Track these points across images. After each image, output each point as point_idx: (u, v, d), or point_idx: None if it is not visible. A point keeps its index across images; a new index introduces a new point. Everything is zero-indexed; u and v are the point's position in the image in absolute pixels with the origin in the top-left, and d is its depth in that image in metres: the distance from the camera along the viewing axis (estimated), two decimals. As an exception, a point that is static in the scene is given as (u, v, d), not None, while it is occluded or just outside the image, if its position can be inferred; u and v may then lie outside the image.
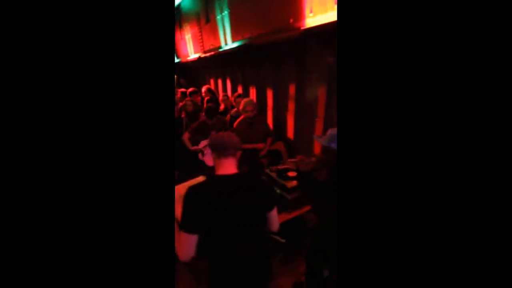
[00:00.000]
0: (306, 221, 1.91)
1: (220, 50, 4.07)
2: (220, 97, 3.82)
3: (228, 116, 3.06)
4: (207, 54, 4.64)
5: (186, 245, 0.96)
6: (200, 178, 1.82)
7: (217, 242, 1.04)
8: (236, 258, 1.07)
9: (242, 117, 2.62)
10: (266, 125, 2.78)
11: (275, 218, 1.15)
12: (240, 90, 3.99)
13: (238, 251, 1.07)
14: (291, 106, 2.85)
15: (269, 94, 3.25)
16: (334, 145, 1.29)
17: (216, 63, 4.80)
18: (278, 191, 1.99)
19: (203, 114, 2.69)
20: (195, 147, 2.58)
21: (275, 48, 2.81)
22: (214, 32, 4.29)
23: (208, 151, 2.49)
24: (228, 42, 3.83)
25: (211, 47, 4.56)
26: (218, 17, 3.96)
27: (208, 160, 2.50)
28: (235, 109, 3.00)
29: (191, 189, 0.99)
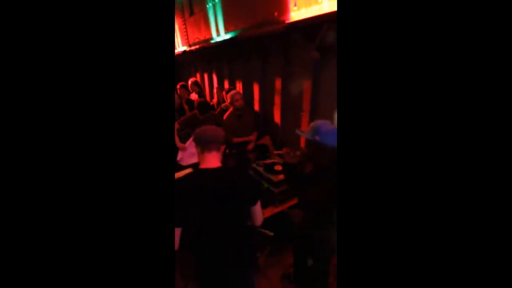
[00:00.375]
0: (292, 214, 1.95)
1: (205, 43, 4.00)
2: (214, 89, 3.81)
3: (219, 109, 3.07)
4: (192, 48, 4.55)
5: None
6: (188, 170, 1.81)
7: (200, 236, 1.05)
8: (220, 252, 1.08)
9: (231, 109, 2.62)
10: (254, 118, 2.80)
11: (259, 213, 1.16)
12: (226, 84, 3.95)
13: (221, 245, 1.08)
14: (277, 100, 2.86)
15: (256, 88, 3.24)
16: (318, 138, 1.31)
17: (202, 57, 4.72)
18: (265, 185, 2.01)
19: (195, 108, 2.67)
20: (181, 145, 2.54)
21: (261, 42, 2.79)
22: (199, 25, 4.20)
23: (192, 150, 2.46)
24: (213, 36, 3.76)
25: (196, 40, 4.47)
26: (202, 10, 3.87)
27: (184, 161, 2.49)
28: (226, 103, 3.00)
29: (176, 183, 1.00)
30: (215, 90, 3.71)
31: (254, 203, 1.12)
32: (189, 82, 3.87)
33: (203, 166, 1.08)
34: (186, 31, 4.90)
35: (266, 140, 2.75)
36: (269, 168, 2.13)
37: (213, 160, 1.08)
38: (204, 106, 2.65)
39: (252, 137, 2.64)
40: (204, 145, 1.07)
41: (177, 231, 1.00)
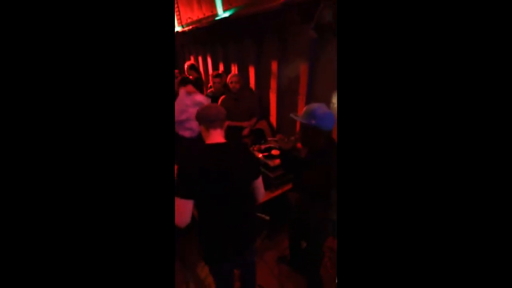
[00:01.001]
0: (290, 197, 1.95)
1: (198, 24, 3.84)
2: (210, 77, 3.66)
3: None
4: (185, 29, 4.37)
5: (182, 210, 1.02)
6: None
7: (209, 208, 1.09)
8: (227, 222, 1.13)
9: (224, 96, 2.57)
10: (254, 103, 2.73)
11: (261, 188, 1.24)
12: (221, 67, 3.84)
13: (228, 216, 1.13)
14: (273, 83, 2.79)
15: (251, 71, 3.15)
16: (314, 122, 1.28)
17: (196, 39, 4.55)
18: (261, 170, 2.00)
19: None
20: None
21: (256, 22, 2.68)
22: (191, 4, 4.01)
23: (189, 124, 2.38)
24: (205, 15, 3.60)
25: (189, 20, 4.29)
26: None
27: (184, 132, 2.39)
28: (212, 89, 2.92)
29: (184, 159, 1.06)
30: (210, 78, 3.55)
31: (257, 177, 1.20)
32: (185, 66, 3.75)
33: (209, 142, 1.14)
34: (179, 11, 4.69)
35: (263, 124, 2.70)
36: (266, 152, 2.11)
37: (218, 136, 1.14)
38: (200, 82, 2.61)
39: (245, 123, 2.58)
40: (208, 123, 1.13)
41: (189, 204, 1.03)
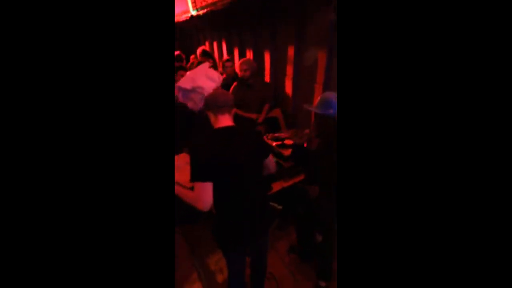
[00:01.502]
0: (301, 189, 1.93)
1: (213, 7, 3.74)
2: (219, 63, 3.59)
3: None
4: (200, 12, 4.28)
5: (204, 194, 1.04)
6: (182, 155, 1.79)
7: (222, 190, 1.09)
8: (241, 204, 1.16)
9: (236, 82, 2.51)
10: (268, 90, 2.67)
11: (272, 163, 1.29)
12: (236, 53, 3.76)
13: (242, 199, 1.15)
14: (289, 70, 2.70)
15: (267, 57, 3.07)
16: (332, 112, 1.23)
17: (211, 24, 4.46)
18: (274, 159, 1.97)
19: None
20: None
21: (273, 6, 2.57)
22: (207, -14, 3.90)
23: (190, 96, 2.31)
24: (221, -2, 3.49)
25: (203, 3, 4.19)
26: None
27: (187, 101, 2.24)
28: (224, 75, 2.86)
29: (195, 143, 1.09)
30: (221, 64, 3.46)
31: (267, 156, 1.24)
32: (198, 51, 3.69)
33: (217, 126, 1.15)
34: (194, -6, 4.58)
35: (277, 113, 2.65)
36: (279, 141, 2.08)
37: (226, 121, 1.15)
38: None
39: (254, 115, 2.51)
40: (216, 109, 1.14)
41: (209, 186, 1.04)
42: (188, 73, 2.23)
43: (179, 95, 2.21)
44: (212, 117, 1.17)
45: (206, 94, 2.14)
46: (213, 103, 1.15)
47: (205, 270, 1.87)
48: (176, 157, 1.62)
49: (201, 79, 2.15)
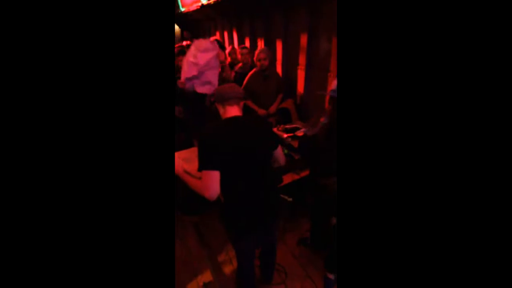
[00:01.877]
0: (312, 181, 1.89)
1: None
2: (227, 50, 3.50)
3: (233, 73, 2.81)
4: (211, 1, 4.21)
5: (210, 182, 1.03)
6: (186, 152, 1.78)
7: (231, 180, 1.09)
8: (249, 194, 1.15)
9: (254, 69, 2.44)
10: (279, 78, 2.59)
11: (281, 155, 1.27)
12: (247, 42, 3.69)
13: (250, 188, 1.14)
14: (302, 59, 2.62)
15: (279, 46, 2.98)
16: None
17: (222, 13, 4.38)
18: (285, 151, 1.93)
19: None
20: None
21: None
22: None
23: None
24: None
25: (215, -8, 4.11)
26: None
27: (203, 88, 2.19)
28: (240, 63, 2.79)
29: (203, 132, 1.09)
30: (227, 51, 3.36)
31: (276, 147, 1.22)
32: None
33: (225, 116, 1.17)
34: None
35: (289, 104, 2.59)
36: (290, 133, 2.03)
37: (234, 112, 1.16)
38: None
39: (263, 111, 2.42)
40: (224, 101, 1.16)
41: (216, 174, 1.04)
42: (183, 61, 2.13)
43: (191, 86, 2.17)
44: (221, 109, 1.19)
45: (212, 67, 2.06)
46: (221, 95, 1.16)
47: (215, 260, 1.88)
48: (188, 150, 1.61)
49: (200, 57, 2.05)
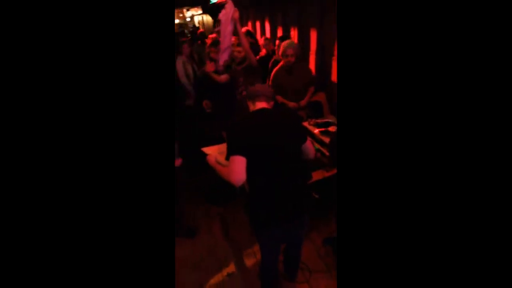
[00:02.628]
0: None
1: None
2: (261, 41, 3.42)
3: (270, 64, 2.71)
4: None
5: (236, 167, 1.06)
6: (221, 146, 1.77)
7: (257, 169, 1.10)
8: (275, 185, 1.14)
9: (281, 63, 2.35)
10: (308, 72, 2.47)
11: (311, 148, 1.26)
12: (280, 32, 3.58)
13: (277, 179, 1.14)
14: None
15: (313, 36, 2.85)
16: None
17: (254, 2, 4.30)
18: (316, 147, 1.85)
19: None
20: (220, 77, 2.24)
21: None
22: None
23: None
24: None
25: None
26: None
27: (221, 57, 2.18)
28: (278, 54, 2.70)
29: (232, 122, 1.15)
30: (261, 42, 3.26)
31: (305, 140, 1.21)
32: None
33: (254, 109, 1.21)
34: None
35: (321, 97, 2.46)
36: (322, 128, 1.94)
37: (263, 105, 1.20)
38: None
39: (294, 104, 2.32)
40: (254, 98, 1.21)
41: (243, 160, 1.05)
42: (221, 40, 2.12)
43: (228, 58, 2.16)
44: (251, 105, 1.24)
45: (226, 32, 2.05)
46: (253, 93, 1.22)
47: (239, 252, 1.89)
48: (224, 145, 1.62)
49: (226, 32, 2.05)
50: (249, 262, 1.82)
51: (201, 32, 6.23)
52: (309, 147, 1.24)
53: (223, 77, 2.21)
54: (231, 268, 1.78)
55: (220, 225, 2.14)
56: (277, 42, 2.74)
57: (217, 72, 2.24)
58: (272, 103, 1.24)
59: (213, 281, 1.71)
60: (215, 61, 2.30)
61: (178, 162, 1.76)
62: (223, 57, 2.13)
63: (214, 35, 3.12)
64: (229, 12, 2.00)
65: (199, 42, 4.12)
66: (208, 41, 3.21)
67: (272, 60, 2.74)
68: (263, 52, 3.15)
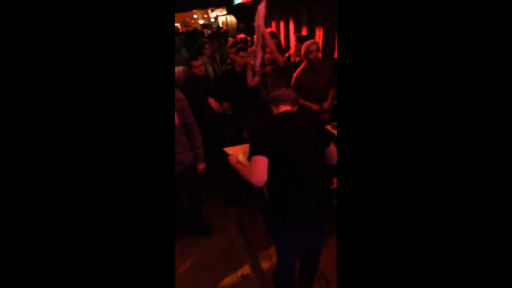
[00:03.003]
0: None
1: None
2: (292, 43, 3.33)
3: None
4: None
5: (257, 167, 1.05)
6: (244, 146, 1.75)
7: (278, 172, 1.08)
8: (295, 188, 1.11)
9: (304, 63, 2.29)
10: (331, 72, 2.39)
11: (334, 153, 1.22)
12: (304, 32, 3.51)
13: (296, 183, 1.11)
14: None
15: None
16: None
17: (279, 2, 4.26)
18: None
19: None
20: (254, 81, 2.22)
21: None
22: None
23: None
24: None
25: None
26: None
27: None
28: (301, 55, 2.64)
29: (255, 124, 1.19)
30: (293, 44, 3.18)
31: (329, 145, 1.19)
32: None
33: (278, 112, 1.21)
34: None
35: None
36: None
37: (287, 108, 1.20)
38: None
39: (316, 106, 2.24)
40: (278, 102, 1.22)
41: (265, 161, 1.04)
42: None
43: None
44: (275, 109, 1.24)
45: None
46: (277, 97, 1.23)
47: (254, 254, 1.86)
48: (243, 146, 1.61)
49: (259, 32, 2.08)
50: (264, 265, 1.78)
51: (225, 31, 6.27)
52: (333, 152, 1.19)
53: (256, 80, 2.20)
54: (246, 269, 1.75)
55: (237, 225, 2.13)
56: (294, 44, 2.67)
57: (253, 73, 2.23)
58: (296, 107, 1.23)
59: (227, 281, 1.69)
60: (234, 62, 2.30)
61: (202, 166, 1.76)
62: (259, 59, 2.14)
63: (242, 35, 3.13)
64: (261, 12, 2.03)
65: (222, 41, 4.15)
66: (232, 40, 3.23)
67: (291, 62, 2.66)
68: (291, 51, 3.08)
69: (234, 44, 2.60)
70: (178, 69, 2.53)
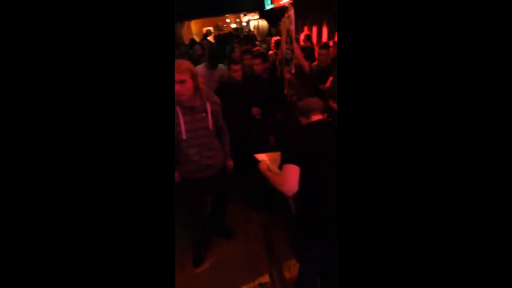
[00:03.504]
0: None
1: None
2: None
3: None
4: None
5: (289, 175, 1.03)
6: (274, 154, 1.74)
7: (304, 181, 1.05)
8: (321, 201, 1.08)
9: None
10: None
11: None
12: (336, 37, 3.42)
13: (324, 194, 1.08)
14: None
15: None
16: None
17: (312, 6, 4.21)
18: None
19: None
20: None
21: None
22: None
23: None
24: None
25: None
26: None
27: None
28: (316, 62, 2.57)
29: (287, 131, 1.18)
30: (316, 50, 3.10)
31: None
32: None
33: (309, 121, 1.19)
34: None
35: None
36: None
37: (318, 118, 1.18)
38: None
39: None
40: (307, 113, 1.19)
41: (298, 170, 1.03)
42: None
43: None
44: (304, 120, 1.21)
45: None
46: (305, 107, 1.20)
47: (274, 263, 1.83)
48: (273, 153, 1.59)
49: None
50: (284, 274, 1.74)
51: (252, 35, 6.29)
52: None
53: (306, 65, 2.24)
54: (265, 278, 1.72)
55: (259, 232, 2.11)
56: (317, 50, 2.59)
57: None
58: (326, 115, 1.21)
59: (244, 287, 1.68)
60: (244, 67, 2.32)
61: (231, 163, 1.76)
62: (306, 62, 2.19)
63: (278, 38, 3.13)
64: (292, 17, 2.04)
65: (249, 45, 4.20)
66: (273, 42, 3.24)
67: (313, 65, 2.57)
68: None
69: (247, 51, 2.58)
70: (221, 67, 2.57)
